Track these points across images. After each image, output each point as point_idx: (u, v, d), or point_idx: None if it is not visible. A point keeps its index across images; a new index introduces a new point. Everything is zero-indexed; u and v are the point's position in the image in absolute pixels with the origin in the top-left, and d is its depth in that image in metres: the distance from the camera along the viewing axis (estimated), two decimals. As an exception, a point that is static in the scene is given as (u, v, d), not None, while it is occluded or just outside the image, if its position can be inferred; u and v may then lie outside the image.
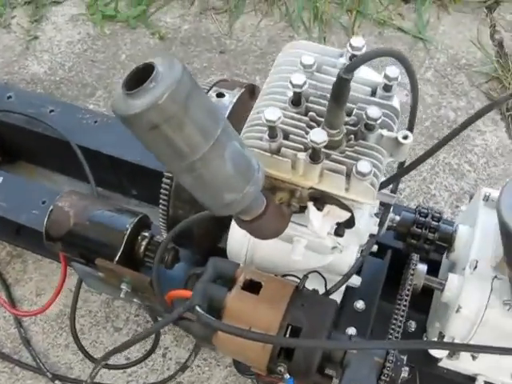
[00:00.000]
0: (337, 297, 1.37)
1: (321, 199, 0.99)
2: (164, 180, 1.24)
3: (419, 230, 1.28)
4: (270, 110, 0.91)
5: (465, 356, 1.29)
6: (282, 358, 1.05)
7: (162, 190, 1.24)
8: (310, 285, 1.17)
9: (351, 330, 1.32)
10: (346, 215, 1.00)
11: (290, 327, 1.04)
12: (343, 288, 1.35)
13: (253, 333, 0.99)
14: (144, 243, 1.34)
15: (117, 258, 1.30)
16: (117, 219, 1.35)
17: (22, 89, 2.17)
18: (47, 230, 1.36)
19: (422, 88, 2.13)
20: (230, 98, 1.25)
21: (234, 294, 1.07)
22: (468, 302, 1.14)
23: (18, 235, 1.69)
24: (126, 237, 1.31)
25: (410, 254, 1.25)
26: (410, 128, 1.06)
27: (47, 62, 2.31)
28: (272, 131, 0.95)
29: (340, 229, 1.03)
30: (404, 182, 1.88)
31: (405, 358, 1.09)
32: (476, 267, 1.13)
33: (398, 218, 1.32)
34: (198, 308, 1.02)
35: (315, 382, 1.10)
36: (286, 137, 0.98)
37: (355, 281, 1.38)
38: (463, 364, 1.33)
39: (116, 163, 1.67)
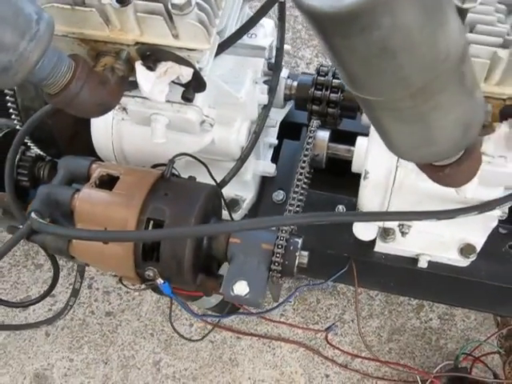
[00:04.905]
0: (249, 190, 1.19)
1: (151, 56, 0.78)
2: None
3: (319, 92, 1.06)
4: None
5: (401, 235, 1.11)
6: (152, 261, 0.88)
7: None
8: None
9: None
10: (187, 72, 0.79)
11: (151, 222, 0.86)
12: (252, 179, 1.16)
13: (94, 232, 0.81)
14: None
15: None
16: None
17: None
18: None
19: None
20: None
21: (83, 194, 0.88)
22: (375, 164, 0.94)
23: None
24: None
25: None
26: None
27: None
28: (67, -26, 0.74)
29: (188, 92, 0.83)
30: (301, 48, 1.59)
31: (300, 240, 0.90)
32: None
33: (296, 84, 1.10)
34: (33, 214, 0.84)
35: (200, 284, 0.92)
36: (90, -19, 0.77)
37: (268, 169, 1.20)
38: (401, 245, 1.15)
39: None
